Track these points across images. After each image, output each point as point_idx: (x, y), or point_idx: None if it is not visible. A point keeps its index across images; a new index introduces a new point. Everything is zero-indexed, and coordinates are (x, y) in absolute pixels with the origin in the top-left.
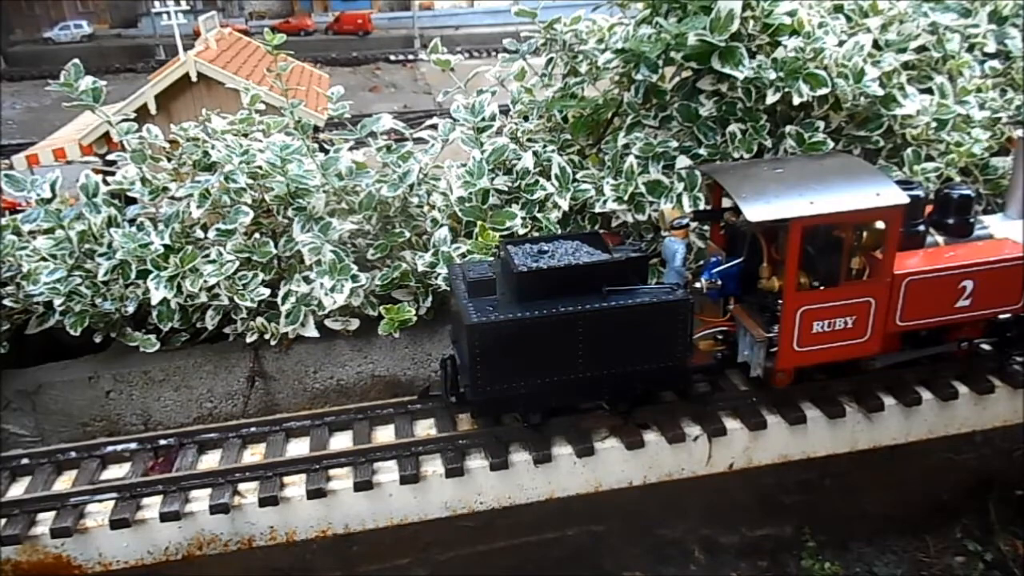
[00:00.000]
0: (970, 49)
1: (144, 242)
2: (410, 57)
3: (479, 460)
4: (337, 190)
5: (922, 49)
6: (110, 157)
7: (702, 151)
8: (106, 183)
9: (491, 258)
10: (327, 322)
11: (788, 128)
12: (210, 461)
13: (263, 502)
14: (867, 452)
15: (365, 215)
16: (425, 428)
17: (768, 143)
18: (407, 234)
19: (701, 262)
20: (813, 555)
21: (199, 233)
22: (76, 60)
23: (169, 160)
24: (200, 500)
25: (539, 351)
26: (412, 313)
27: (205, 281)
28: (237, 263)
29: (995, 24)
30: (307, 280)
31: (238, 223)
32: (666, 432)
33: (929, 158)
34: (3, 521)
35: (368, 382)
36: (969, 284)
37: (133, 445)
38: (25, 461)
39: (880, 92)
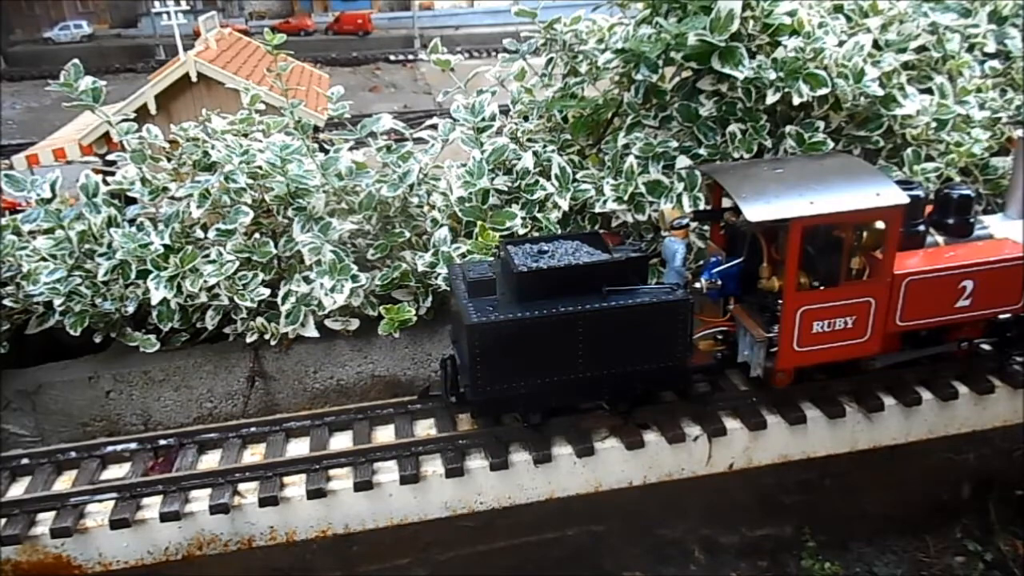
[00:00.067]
0: (970, 49)
1: (144, 242)
2: (410, 57)
3: (479, 460)
4: (337, 190)
5: (922, 49)
6: (110, 157)
7: (702, 151)
8: (106, 183)
9: (491, 258)
10: (327, 322)
11: (788, 128)
12: (210, 461)
13: (263, 502)
14: (867, 452)
15: (365, 215)
16: (425, 428)
17: (768, 143)
18: (407, 234)
19: (701, 262)
20: (813, 555)
21: (199, 233)
22: (76, 60)
23: (169, 160)
24: (200, 500)
25: (539, 351)
26: (412, 313)
27: (205, 281)
28: (237, 263)
29: (995, 24)
30: (307, 280)
31: (238, 223)
32: (666, 432)
33: (929, 158)
34: (3, 521)
35: (368, 382)
36: (969, 284)
37: (133, 445)
38: (25, 461)
39: (880, 92)
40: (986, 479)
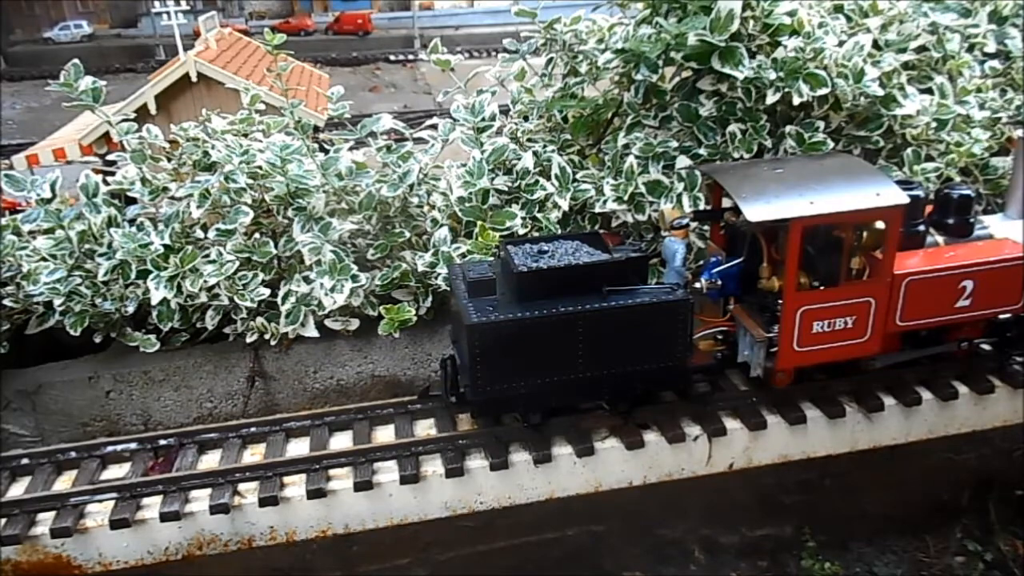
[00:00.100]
0: (970, 49)
1: (144, 242)
2: (410, 57)
3: (479, 460)
4: (337, 190)
5: (922, 49)
6: (110, 157)
7: (702, 151)
8: (106, 183)
9: (491, 258)
10: (327, 322)
11: (788, 128)
12: (210, 461)
13: (263, 502)
14: (867, 452)
15: (365, 215)
16: (425, 428)
17: (768, 143)
18: (407, 234)
19: (701, 262)
20: (813, 555)
21: (199, 233)
22: (76, 60)
23: (169, 160)
24: (200, 500)
25: (539, 351)
26: (412, 313)
27: (205, 281)
28: (237, 263)
29: (995, 24)
30: (307, 280)
31: (238, 223)
32: (666, 432)
33: (929, 158)
34: (3, 521)
35: (368, 382)
36: (969, 284)
37: (133, 445)
38: (25, 461)
39: (880, 92)
40: (986, 479)
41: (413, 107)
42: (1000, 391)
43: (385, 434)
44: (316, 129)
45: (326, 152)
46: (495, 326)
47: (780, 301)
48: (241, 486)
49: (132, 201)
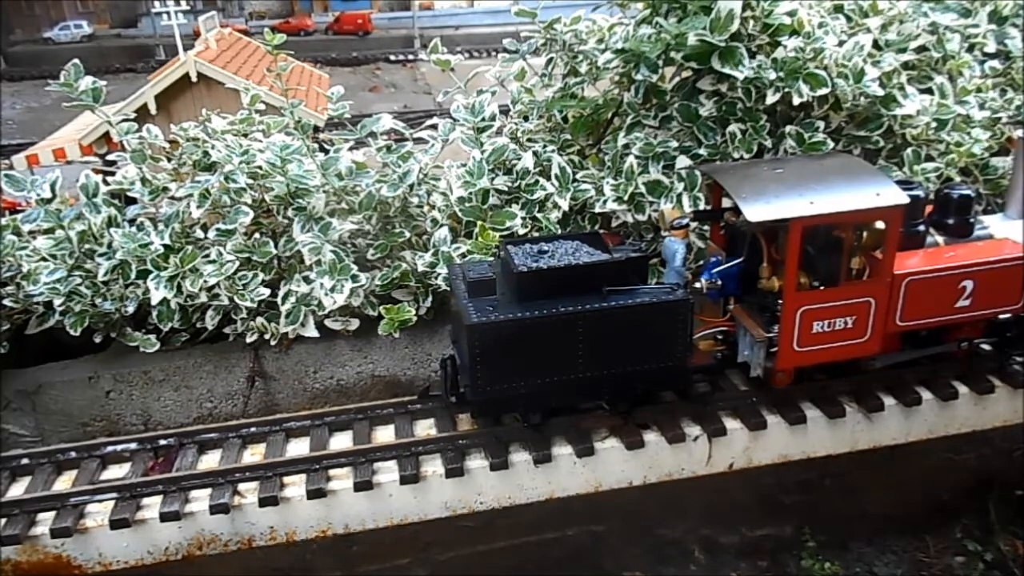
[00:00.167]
0: (970, 49)
1: (144, 242)
2: (410, 57)
3: (479, 460)
4: (337, 190)
5: (922, 49)
6: (110, 157)
7: (702, 151)
8: (106, 183)
9: (491, 258)
10: (327, 322)
11: (788, 128)
12: (210, 461)
13: (263, 502)
14: (867, 452)
15: (365, 215)
16: (425, 428)
17: (768, 143)
18: (407, 234)
19: (701, 262)
20: (813, 555)
21: (199, 233)
22: (76, 60)
23: (169, 160)
24: (200, 500)
25: (539, 351)
26: (412, 313)
27: (205, 281)
28: (237, 263)
29: (995, 24)
30: (307, 280)
31: (238, 223)
32: (666, 432)
33: (929, 158)
34: (3, 521)
35: (368, 382)
36: (969, 284)
37: (133, 445)
38: (25, 461)
39: (880, 92)
40: (986, 479)
41: (413, 107)
42: (1000, 391)
43: (385, 434)
44: (316, 129)
45: (326, 152)
46: (495, 326)
47: (780, 301)
48: (241, 486)
49: (132, 201)
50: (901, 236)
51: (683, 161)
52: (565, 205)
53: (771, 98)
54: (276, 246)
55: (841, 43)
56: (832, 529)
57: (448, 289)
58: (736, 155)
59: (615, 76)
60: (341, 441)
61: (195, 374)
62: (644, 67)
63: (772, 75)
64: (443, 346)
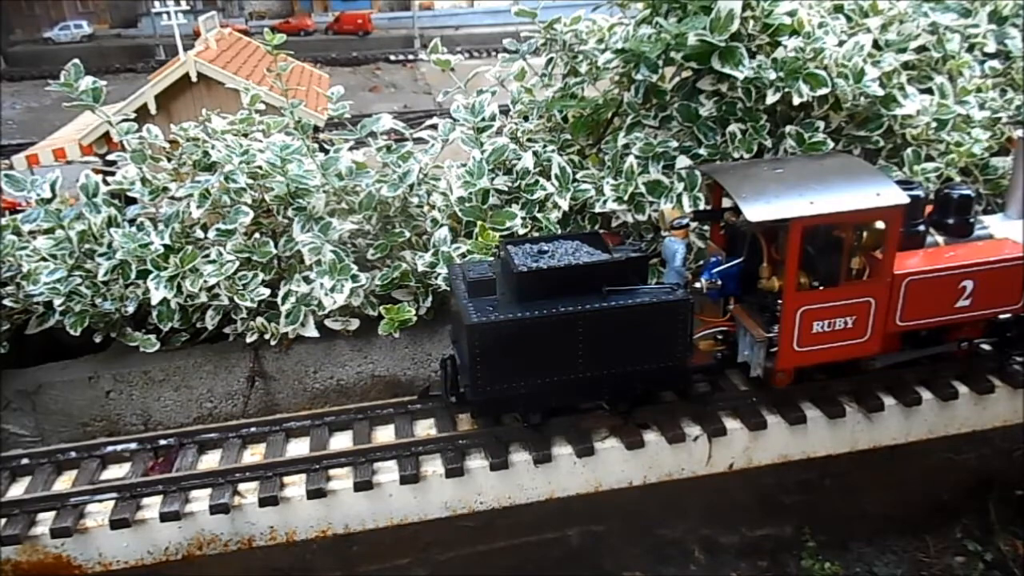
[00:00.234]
0: (970, 49)
1: (144, 242)
2: (410, 57)
3: (479, 460)
4: (337, 190)
5: (922, 49)
6: (110, 157)
7: (702, 151)
8: (106, 183)
9: (491, 258)
10: (327, 322)
11: (788, 128)
12: (210, 461)
13: (263, 502)
14: (867, 452)
15: (365, 215)
16: (425, 428)
17: (768, 143)
18: (407, 234)
19: (701, 262)
20: (813, 555)
21: (199, 233)
22: (76, 60)
23: (169, 160)
24: (200, 500)
25: (539, 351)
26: (412, 313)
27: (205, 281)
28: (237, 263)
29: (995, 24)
30: (307, 280)
31: (238, 223)
32: (666, 432)
33: (929, 158)
34: (3, 521)
35: (368, 382)
36: (969, 284)
37: (133, 445)
38: (25, 461)
39: (880, 92)
40: (986, 479)
41: (413, 107)
42: (1000, 391)
43: (385, 434)
44: (316, 129)
45: (326, 152)
46: (495, 326)
47: (780, 301)
48: (241, 486)
49: (132, 201)
50: (901, 236)
51: (683, 161)
52: (565, 205)
53: (771, 98)
54: (276, 246)
55: (841, 43)
56: (832, 529)
57: (448, 289)
58: (736, 155)
59: (615, 76)
60: (341, 441)
61: (195, 374)
62: (644, 67)
63: (772, 75)
64: (443, 346)
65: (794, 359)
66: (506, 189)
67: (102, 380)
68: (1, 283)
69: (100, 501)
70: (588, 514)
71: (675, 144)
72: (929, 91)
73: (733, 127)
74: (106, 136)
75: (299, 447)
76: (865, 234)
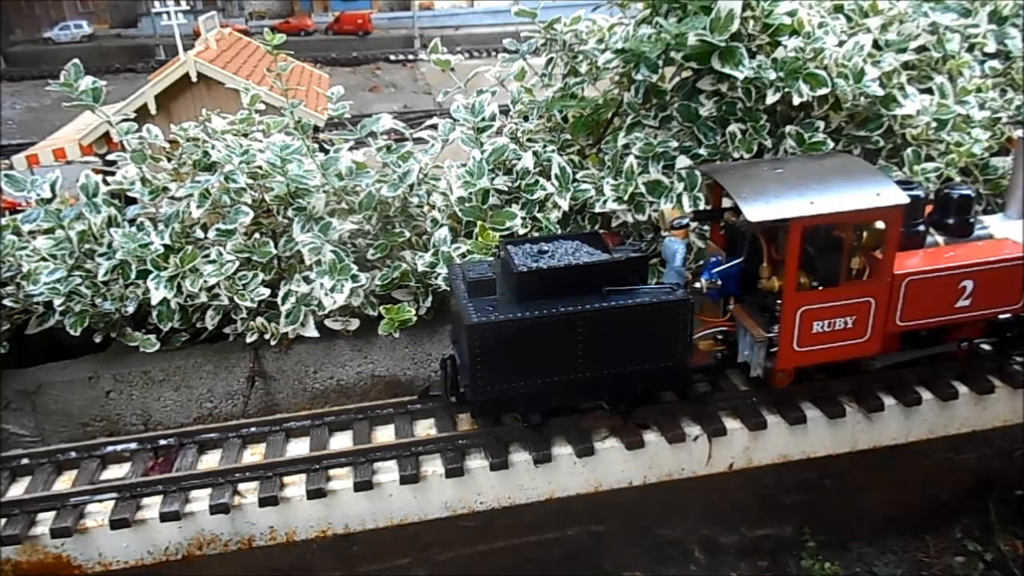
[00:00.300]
0: (970, 49)
1: (144, 242)
2: (410, 57)
3: (479, 460)
4: (337, 190)
5: (922, 49)
6: (110, 157)
7: (702, 151)
8: (106, 183)
9: (491, 258)
10: (327, 322)
11: (788, 128)
12: (210, 461)
13: (263, 502)
14: (867, 452)
15: (365, 215)
16: (425, 428)
17: (768, 143)
18: (407, 234)
19: (701, 262)
20: (813, 555)
21: (199, 233)
22: (76, 60)
23: (169, 160)
24: (200, 500)
25: (539, 351)
26: (412, 313)
27: (205, 281)
28: (237, 263)
29: (995, 24)
30: (307, 280)
31: (238, 223)
32: (666, 432)
33: (929, 158)
34: (3, 521)
35: (368, 382)
36: (969, 284)
37: (133, 445)
38: (25, 461)
39: (880, 92)
40: (986, 479)
41: (413, 107)
42: (1000, 391)
43: (385, 434)
44: (316, 129)
45: (326, 152)
46: (495, 326)
47: (780, 301)
48: (241, 486)
49: (132, 201)
50: (901, 236)
51: (683, 161)
52: (565, 205)
53: (771, 98)
54: (276, 246)
55: (841, 43)
56: (832, 529)
57: (448, 289)
58: (736, 155)
59: (615, 76)
60: (341, 441)
61: (195, 374)
62: (644, 67)
63: (772, 75)
64: (443, 346)
65: (794, 359)
66: (506, 189)
67: (102, 380)
68: (1, 283)
69: (100, 501)
70: (588, 514)
71: (675, 144)
72: (929, 91)
73: (733, 127)
74: (106, 136)
75: (299, 447)
76: (865, 234)
